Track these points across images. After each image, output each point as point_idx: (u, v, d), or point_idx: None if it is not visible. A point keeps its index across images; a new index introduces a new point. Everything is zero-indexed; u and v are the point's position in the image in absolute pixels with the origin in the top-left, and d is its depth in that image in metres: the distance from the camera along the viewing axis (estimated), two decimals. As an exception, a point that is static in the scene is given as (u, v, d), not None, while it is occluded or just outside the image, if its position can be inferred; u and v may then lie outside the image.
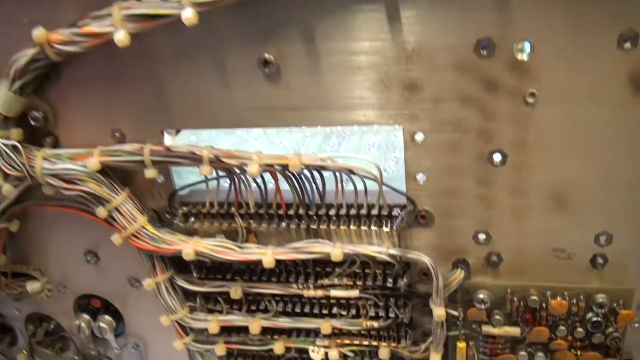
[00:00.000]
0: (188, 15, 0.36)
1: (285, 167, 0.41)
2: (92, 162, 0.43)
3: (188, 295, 0.49)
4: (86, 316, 0.54)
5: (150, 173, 0.43)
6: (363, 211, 0.43)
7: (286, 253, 0.43)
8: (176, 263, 0.47)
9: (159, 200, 0.46)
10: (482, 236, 0.42)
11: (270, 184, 0.43)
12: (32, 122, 0.45)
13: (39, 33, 0.39)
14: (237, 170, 0.42)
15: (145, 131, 0.43)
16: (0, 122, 0.44)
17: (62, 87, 0.44)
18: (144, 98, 0.42)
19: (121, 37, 0.37)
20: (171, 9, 0.37)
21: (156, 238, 0.45)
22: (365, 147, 0.55)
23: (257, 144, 0.56)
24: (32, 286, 0.53)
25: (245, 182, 0.43)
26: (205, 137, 0.57)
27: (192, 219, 0.46)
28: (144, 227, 0.45)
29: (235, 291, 0.46)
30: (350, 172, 0.41)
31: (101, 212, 0.44)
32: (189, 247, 0.44)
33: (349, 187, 0.42)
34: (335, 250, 0.42)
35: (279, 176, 0.42)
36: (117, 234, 0.45)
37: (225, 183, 0.44)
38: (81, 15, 0.38)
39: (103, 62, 0.42)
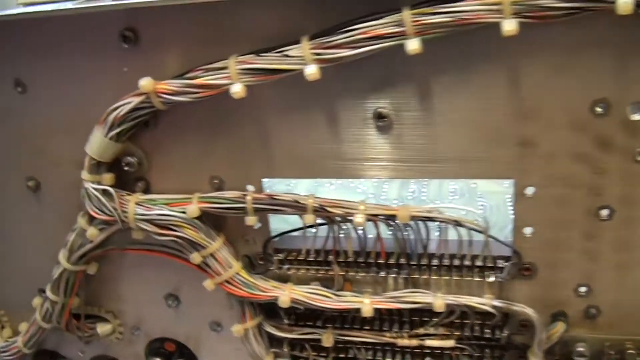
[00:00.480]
0: (311, 71, 0.36)
1: (391, 218, 0.41)
2: (192, 208, 0.42)
3: (273, 342, 0.48)
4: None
5: (251, 220, 0.42)
6: (467, 262, 0.43)
7: (385, 302, 0.43)
8: (263, 308, 0.47)
9: (252, 246, 0.46)
10: (583, 289, 0.42)
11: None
12: (126, 168, 0.44)
13: (147, 83, 0.39)
14: (338, 219, 0.42)
15: (244, 179, 0.43)
16: (92, 167, 0.43)
17: (159, 133, 0.43)
18: (246, 146, 0.42)
19: (238, 90, 0.37)
20: (293, 64, 0.36)
21: (250, 285, 0.44)
22: (447, 195, 0.55)
23: (333, 188, 0.56)
24: (102, 328, 0.52)
25: (345, 230, 0.43)
26: (276, 180, 0.56)
27: (287, 266, 0.46)
28: (238, 274, 0.44)
29: (327, 339, 0.46)
30: (458, 223, 0.41)
31: (196, 258, 0.44)
32: (285, 295, 0.43)
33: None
34: (438, 301, 0.42)
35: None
36: (210, 279, 0.45)
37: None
38: (190, 67, 0.39)
39: (205, 109, 0.41)
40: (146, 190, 0.45)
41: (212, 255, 0.44)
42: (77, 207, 0.47)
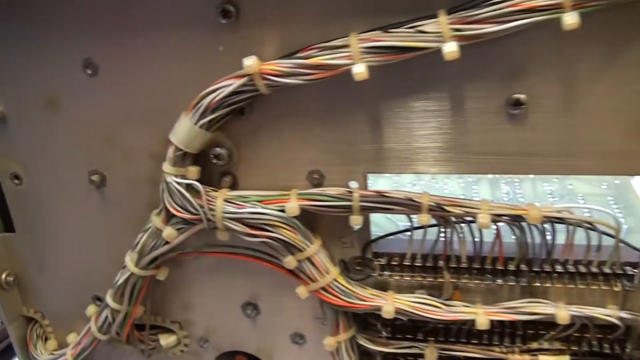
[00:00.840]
0: (451, 49, 0.32)
1: (517, 219, 0.36)
2: (292, 206, 0.37)
3: (363, 356, 0.43)
4: (230, 375, 0.48)
5: (356, 220, 0.38)
6: (594, 268, 0.38)
7: (500, 313, 0.39)
8: (355, 320, 0.42)
9: (349, 250, 0.41)
10: None
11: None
12: (214, 161, 0.39)
13: (252, 63, 0.34)
14: (453, 219, 0.38)
15: (347, 174, 0.39)
16: (177, 158, 0.38)
17: (253, 122, 0.38)
18: (352, 136, 0.37)
19: (361, 71, 0.33)
20: (429, 42, 0.32)
21: (349, 293, 0.40)
22: (543, 196, 0.51)
23: (416, 189, 0.51)
24: (166, 340, 0.47)
25: (459, 232, 0.38)
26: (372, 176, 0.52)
27: (387, 272, 0.41)
28: (336, 280, 0.40)
29: (431, 354, 0.41)
30: (590, 226, 0.36)
31: (290, 262, 0.39)
32: (388, 304, 0.39)
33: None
34: (561, 312, 0.37)
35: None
36: (303, 286, 0.40)
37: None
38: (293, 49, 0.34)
39: (306, 95, 0.37)
40: (233, 187, 0.40)
41: (308, 259, 0.39)
42: (148, 204, 0.42)
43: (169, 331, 0.48)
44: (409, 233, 0.39)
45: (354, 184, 0.39)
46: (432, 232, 0.39)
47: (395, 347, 0.43)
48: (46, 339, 0.52)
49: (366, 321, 0.43)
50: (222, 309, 0.45)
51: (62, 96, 0.41)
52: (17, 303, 0.51)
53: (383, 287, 0.41)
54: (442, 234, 0.39)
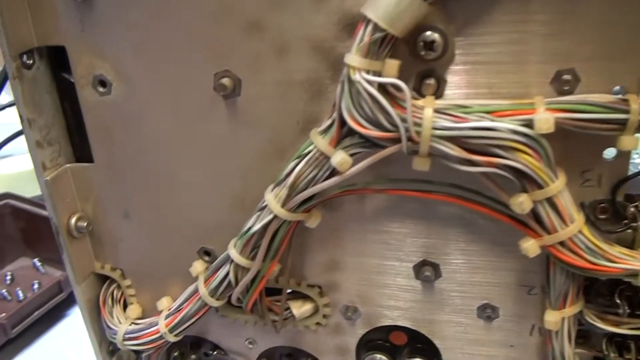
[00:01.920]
0: None
1: None
2: (545, 119, 0.25)
3: (578, 337, 0.32)
4: (384, 357, 0.36)
5: (628, 142, 0.26)
6: None
7: None
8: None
9: (591, 191, 0.29)
10: None
11: None
12: (422, 52, 0.27)
13: None
14: None
15: (611, 77, 0.26)
16: (371, 46, 0.26)
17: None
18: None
19: None
20: None
21: (595, 250, 0.28)
22: None
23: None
24: (300, 309, 0.35)
25: None
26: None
27: (642, 223, 0.29)
28: (580, 233, 0.28)
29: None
30: None
31: (525, 203, 0.27)
32: (655, 269, 0.27)
33: None
34: None
35: None
36: (533, 239, 0.28)
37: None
38: None
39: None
40: (437, 93, 0.28)
41: (549, 200, 0.27)
42: (300, 122, 0.30)
43: (302, 297, 0.36)
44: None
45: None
46: None
47: (631, 327, 0.31)
48: (126, 305, 0.40)
49: (594, 292, 0.31)
50: (384, 269, 0.33)
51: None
52: (89, 257, 0.39)
53: (628, 244, 0.29)
54: None
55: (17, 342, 0.60)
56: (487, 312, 0.33)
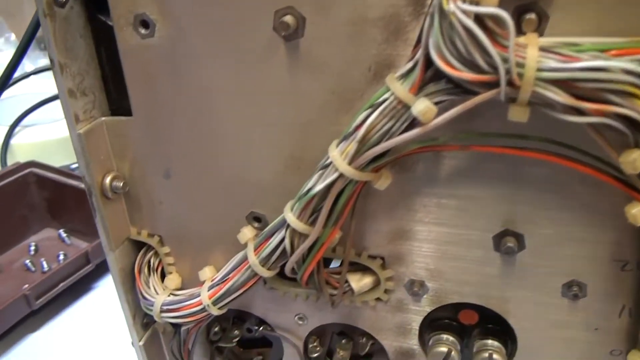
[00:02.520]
0: None
1: None
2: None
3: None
4: (451, 338, 0.32)
5: None
6: None
7: None
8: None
9: None
10: None
11: None
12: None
13: None
14: None
15: None
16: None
17: None
18: None
19: None
20: None
21: None
22: None
23: None
24: (359, 282, 0.32)
25: None
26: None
27: None
28: None
29: None
30: None
31: (637, 160, 0.23)
32: None
33: None
34: None
35: None
36: (645, 206, 0.24)
37: None
38: None
39: None
40: (538, 30, 0.24)
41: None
42: (375, 66, 0.26)
43: (361, 270, 0.32)
44: None
45: None
46: None
47: None
48: (164, 274, 0.37)
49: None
50: (459, 240, 0.30)
51: None
52: (125, 221, 0.35)
53: None
54: None
55: (41, 314, 0.58)
56: (573, 290, 0.29)
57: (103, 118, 0.33)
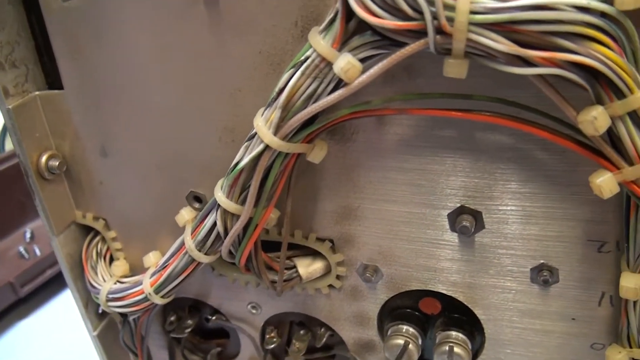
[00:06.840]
0: None
1: None
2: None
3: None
4: (411, 329, 0.29)
5: None
6: None
7: None
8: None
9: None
10: None
11: None
12: None
13: None
14: None
15: None
16: None
17: None
18: None
19: None
20: None
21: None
22: None
23: None
24: (308, 268, 0.29)
25: None
26: None
27: None
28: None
29: None
30: None
31: (598, 119, 0.19)
32: None
33: None
34: None
35: None
36: (609, 172, 0.20)
37: None
38: None
39: None
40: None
41: (632, 115, 0.19)
42: (302, 20, 0.23)
43: (313, 255, 0.29)
44: None
45: None
46: None
47: None
48: (111, 260, 0.34)
49: None
50: (411, 218, 0.26)
51: None
52: (67, 203, 0.33)
53: None
54: None
55: (31, 302, 0.57)
56: (543, 275, 0.26)
57: (37, 92, 0.31)
